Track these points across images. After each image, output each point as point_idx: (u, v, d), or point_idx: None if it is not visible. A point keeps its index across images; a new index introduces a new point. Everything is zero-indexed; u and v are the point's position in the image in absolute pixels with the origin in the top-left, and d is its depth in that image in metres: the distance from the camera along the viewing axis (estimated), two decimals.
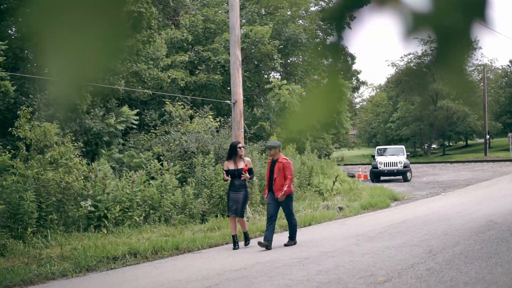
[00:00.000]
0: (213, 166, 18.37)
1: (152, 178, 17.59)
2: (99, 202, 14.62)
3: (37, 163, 14.12)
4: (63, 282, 10.37)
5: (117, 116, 22.25)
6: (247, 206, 13.65)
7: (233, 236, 13.34)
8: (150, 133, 23.76)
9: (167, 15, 33.31)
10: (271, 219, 13.14)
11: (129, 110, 22.83)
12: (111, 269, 11.42)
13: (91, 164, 16.45)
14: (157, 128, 23.97)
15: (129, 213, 15.22)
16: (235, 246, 13.24)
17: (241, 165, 13.42)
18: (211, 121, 23.38)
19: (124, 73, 22.72)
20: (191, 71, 32.12)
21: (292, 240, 13.46)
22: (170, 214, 16.06)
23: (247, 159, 13.72)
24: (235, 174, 13.43)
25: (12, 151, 14.66)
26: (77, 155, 15.22)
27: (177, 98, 26.15)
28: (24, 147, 14.59)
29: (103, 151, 20.54)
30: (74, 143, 15.28)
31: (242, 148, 13.70)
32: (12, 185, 13.01)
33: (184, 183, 18.10)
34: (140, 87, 23.76)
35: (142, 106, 26.89)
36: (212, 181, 17.81)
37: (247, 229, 13.79)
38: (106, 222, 14.41)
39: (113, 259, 11.95)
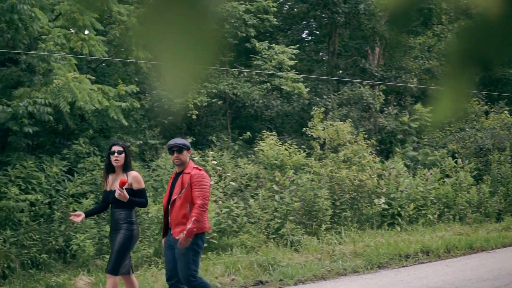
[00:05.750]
0: (510, 164, 17.62)
1: (447, 176, 17.24)
2: (392, 200, 14.71)
3: (331, 162, 14.64)
4: (354, 278, 10.60)
5: (411, 114, 22.16)
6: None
7: None
8: (444, 130, 23.24)
9: (458, 8, 32.40)
10: (172, 281, 7.28)
11: (423, 108, 22.60)
12: (403, 266, 11.43)
13: (385, 162, 16.61)
14: (451, 125, 23.36)
15: (423, 211, 15.11)
16: None
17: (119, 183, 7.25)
18: (507, 117, 22.18)
19: (417, 70, 22.59)
20: None
21: None
22: (464, 212, 15.68)
23: (133, 173, 7.48)
24: (109, 199, 7.50)
25: (306, 150, 15.37)
26: (371, 153, 15.47)
27: (472, 93, 25.26)
28: (318, 146, 15.20)
29: (397, 149, 20.56)
30: (367, 142, 15.53)
31: (119, 156, 7.40)
32: (307, 183, 13.60)
33: (479, 180, 17.50)
34: (432, 84, 23.39)
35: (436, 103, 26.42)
36: (508, 179, 17.17)
37: None
38: (399, 219, 14.44)
39: (405, 256, 11.93)
